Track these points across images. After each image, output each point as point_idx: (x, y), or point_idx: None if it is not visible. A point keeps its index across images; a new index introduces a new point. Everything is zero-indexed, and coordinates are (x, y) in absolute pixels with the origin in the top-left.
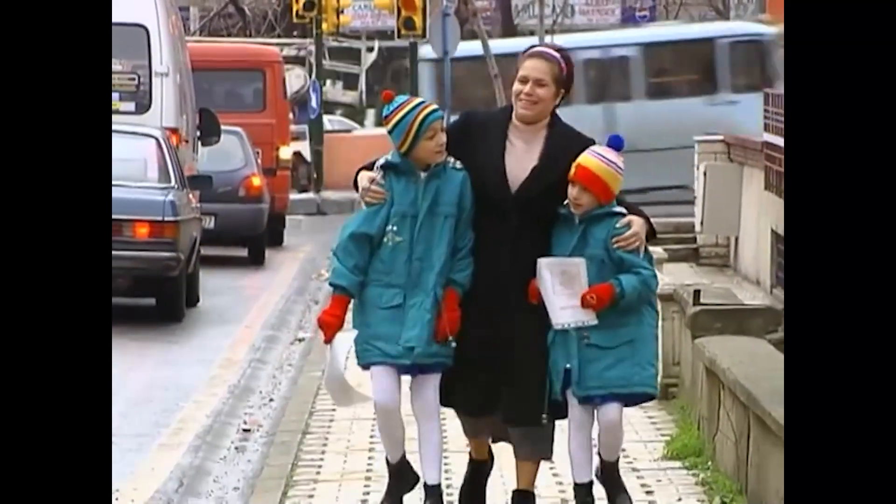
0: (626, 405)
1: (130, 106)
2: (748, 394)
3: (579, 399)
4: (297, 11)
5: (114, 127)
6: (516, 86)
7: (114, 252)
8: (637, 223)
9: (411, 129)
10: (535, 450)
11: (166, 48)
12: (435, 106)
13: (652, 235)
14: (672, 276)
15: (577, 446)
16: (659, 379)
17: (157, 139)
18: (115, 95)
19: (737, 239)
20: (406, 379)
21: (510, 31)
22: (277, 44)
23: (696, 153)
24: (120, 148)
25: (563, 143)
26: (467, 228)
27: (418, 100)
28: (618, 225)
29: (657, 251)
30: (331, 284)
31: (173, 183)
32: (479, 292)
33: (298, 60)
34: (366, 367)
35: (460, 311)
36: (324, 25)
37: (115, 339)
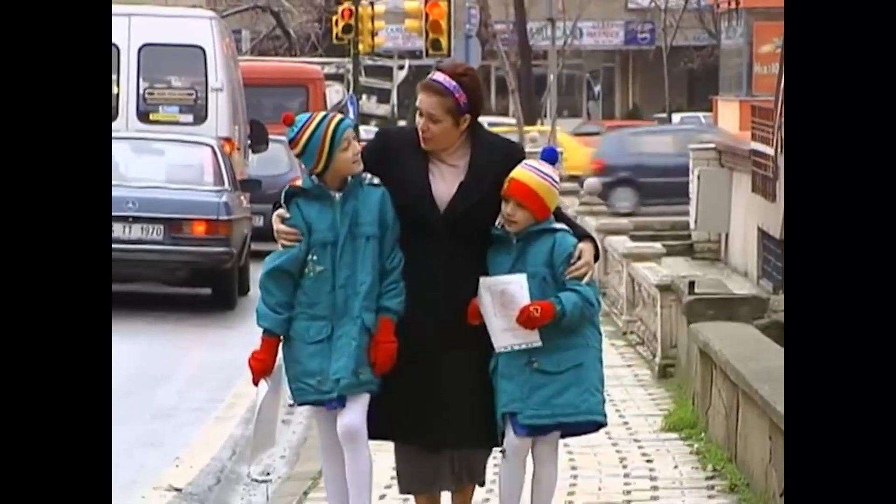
0: (571, 434)
1: (189, 118)
2: (737, 373)
3: (523, 428)
4: (336, 34)
5: (174, 136)
6: (417, 117)
7: (174, 247)
8: (587, 251)
9: (324, 144)
10: (474, 473)
11: (221, 66)
12: (341, 115)
13: (597, 258)
14: (669, 269)
15: (508, 472)
16: (605, 405)
17: (212, 147)
18: (175, 108)
19: (727, 236)
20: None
21: (526, 51)
22: (319, 62)
23: (690, 159)
24: (179, 155)
25: (489, 153)
26: (394, 248)
27: (322, 114)
28: (570, 257)
29: (655, 246)
30: (258, 325)
31: (227, 186)
32: (413, 317)
33: (338, 77)
34: (300, 404)
35: (396, 339)
36: (360, 46)
37: (175, 325)
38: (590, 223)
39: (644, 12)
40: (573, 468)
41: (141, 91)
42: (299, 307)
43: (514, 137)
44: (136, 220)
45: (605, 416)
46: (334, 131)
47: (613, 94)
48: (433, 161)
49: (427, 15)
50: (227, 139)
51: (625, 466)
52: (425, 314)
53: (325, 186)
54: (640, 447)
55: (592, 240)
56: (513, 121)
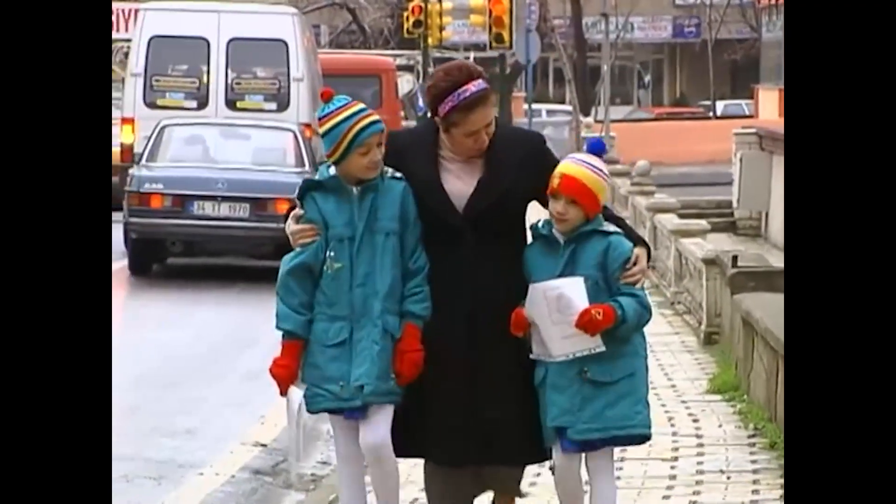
0: (616, 444)
1: (273, 105)
2: (777, 339)
3: (574, 444)
4: (407, 28)
5: (259, 123)
6: (462, 139)
7: (259, 224)
8: (643, 257)
9: (343, 139)
10: (509, 487)
11: (301, 58)
12: (375, 117)
13: (648, 262)
14: (713, 244)
15: (565, 490)
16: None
17: (293, 132)
18: (260, 97)
19: (767, 213)
20: None
21: (581, 44)
22: (391, 55)
23: (733, 143)
24: (264, 139)
25: (509, 145)
26: (418, 247)
27: (358, 106)
28: (627, 262)
29: (701, 223)
30: (278, 329)
31: (307, 167)
32: (438, 324)
33: (408, 68)
34: (316, 412)
35: (423, 349)
36: (429, 40)
37: (259, 295)
38: (640, 202)
39: (690, 8)
40: None
41: (229, 81)
42: (318, 307)
43: (567, 120)
44: (225, 199)
45: (650, 428)
46: (359, 132)
47: (662, 83)
48: (447, 159)
49: (491, 11)
50: (308, 125)
51: (673, 425)
52: (451, 321)
53: (343, 179)
54: (686, 407)
55: (646, 245)
56: (569, 108)
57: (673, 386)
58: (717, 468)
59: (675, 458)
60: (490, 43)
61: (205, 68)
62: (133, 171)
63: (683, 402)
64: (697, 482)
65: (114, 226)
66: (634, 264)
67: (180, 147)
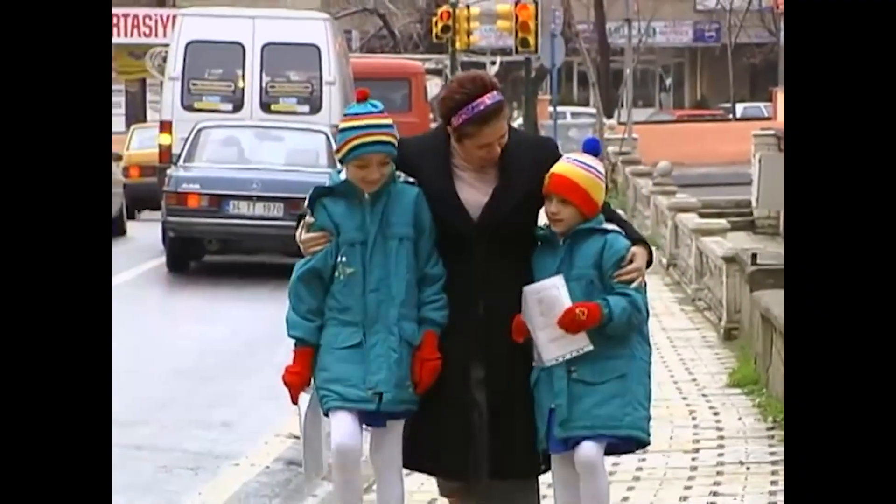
0: (612, 452)
1: (306, 108)
2: None
3: (561, 443)
4: (436, 33)
5: (292, 125)
6: (474, 150)
7: (293, 223)
8: (640, 256)
9: (345, 145)
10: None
11: (334, 63)
12: (385, 138)
13: (649, 264)
14: (733, 243)
15: (560, 491)
16: (651, 424)
17: (326, 134)
18: (293, 100)
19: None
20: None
21: (605, 48)
22: (420, 59)
23: (752, 144)
24: (297, 141)
25: (521, 153)
26: (434, 253)
27: (375, 121)
28: (622, 260)
29: (721, 222)
30: (289, 336)
31: (338, 168)
32: (453, 335)
33: (437, 72)
34: (327, 413)
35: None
36: (457, 44)
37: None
38: (662, 202)
39: (711, 13)
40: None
41: (263, 84)
42: (329, 313)
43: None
44: (259, 199)
45: (649, 434)
46: (358, 146)
47: (683, 86)
48: (460, 168)
49: (517, 16)
50: None
51: (694, 418)
52: (463, 329)
53: (353, 184)
54: (707, 401)
55: (646, 244)
56: (593, 110)
57: (694, 380)
58: (737, 460)
59: (697, 451)
60: (516, 47)
61: (240, 72)
62: (171, 171)
63: (704, 395)
64: (718, 473)
65: (152, 224)
66: (630, 262)
67: (216, 148)
